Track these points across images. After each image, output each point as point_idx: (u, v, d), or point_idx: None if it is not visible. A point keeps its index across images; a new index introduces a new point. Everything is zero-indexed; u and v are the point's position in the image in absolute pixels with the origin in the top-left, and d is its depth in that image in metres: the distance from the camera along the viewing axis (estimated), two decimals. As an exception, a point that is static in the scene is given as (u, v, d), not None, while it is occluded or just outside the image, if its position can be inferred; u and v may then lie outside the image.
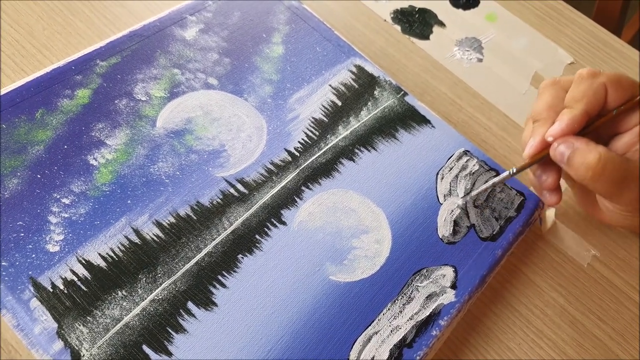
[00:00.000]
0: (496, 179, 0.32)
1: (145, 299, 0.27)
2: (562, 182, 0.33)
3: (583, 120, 0.30)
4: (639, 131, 0.30)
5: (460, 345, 0.31)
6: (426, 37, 0.45)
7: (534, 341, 0.32)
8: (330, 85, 0.38)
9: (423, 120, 0.38)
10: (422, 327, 0.29)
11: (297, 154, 0.34)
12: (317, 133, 0.35)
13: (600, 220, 0.33)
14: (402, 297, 0.30)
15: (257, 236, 0.31)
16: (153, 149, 0.32)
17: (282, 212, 0.32)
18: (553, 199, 0.32)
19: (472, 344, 0.32)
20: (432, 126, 0.37)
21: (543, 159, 0.31)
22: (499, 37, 0.47)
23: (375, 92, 0.38)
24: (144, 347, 0.26)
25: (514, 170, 0.32)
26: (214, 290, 0.28)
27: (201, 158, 0.33)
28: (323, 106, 0.37)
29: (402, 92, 0.39)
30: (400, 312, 0.30)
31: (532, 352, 0.32)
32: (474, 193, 0.33)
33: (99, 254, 0.28)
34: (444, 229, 0.33)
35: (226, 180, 0.32)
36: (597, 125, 0.31)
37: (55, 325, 0.26)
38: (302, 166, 0.34)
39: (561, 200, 0.32)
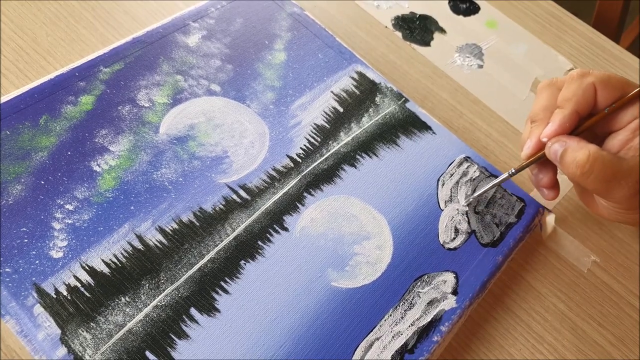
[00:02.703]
0: (496, 181, 0.34)
1: (149, 305, 0.28)
2: (563, 179, 0.34)
3: (574, 120, 0.31)
4: (633, 129, 0.30)
5: (461, 351, 0.32)
6: (427, 44, 0.46)
7: (534, 347, 0.32)
8: (332, 92, 0.38)
9: (424, 127, 0.38)
10: (424, 333, 0.30)
11: (299, 160, 0.34)
12: (319, 139, 0.36)
13: (598, 215, 0.34)
14: (404, 303, 0.30)
15: (259, 242, 0.31)
16: (156, 155, 0.32)
17: (284, 218, 0.32)
18: (550, 194, 0.33)
19: (473, 350, 0.32)
20: (433, 132, 0.38)
21: (540, 159, 0.32)
22: (500, 43, 0.47)
23: (377, 99, 0.39)
24: (147, 353, 0.26)
25: (513, 171, 0.33)
26: (216, 296, 0.29)
27: (204, 164, 0.33)
28: (325, 112, 0.37)
29: (403, 98, 0.39)
30: (402, 318, 0.30)
31: (532, 357, 0.32)
32: (475, 194, 0.35)
33: (102, 260, 0.28)
34: (445, 235, 0.33)
35: (229, 187, 0.32)
36: (589, 124, 0.31)
37: (59, 331, 0.26)
38: (304, 172, 0.34)
39: (558, 195, 0.33)
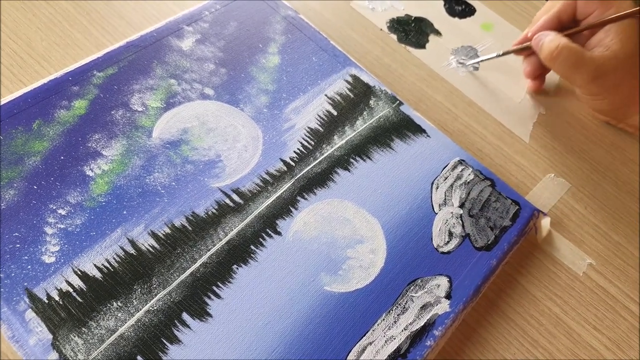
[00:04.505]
0: (484, 57, 0.43)
1: (140, 310, 0.28)
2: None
3: (554, 21, 0.40)
4: (605, 30, 0.37)
5: (455, 356, 0.31)
6: (422, 46, 0.46)
7: (529, 351, 0.32)
8: (326, 95, 0.38)
9: (418, 130, 0.38)
10: (417, 337, 0.29)
11: (292, 163, 0.34)
12: (313, 143, 0.36)
13: (590, 109, 0.43)
14: (397, 307, 0.30)
15: (252, 246, 0.31)
16: (149, 160, 0.32)
17: (277, 222, 0.32)
18: (532, 86, 0.44)
19: (467, 354, 0.32)
20: (428, 135, 0.38)
21: (525, 49, 0.42)
22: (495, 45, 0.47)
23: (371, 102, 0.38)
24: (139, 358, 0.26)
25: (500, 53, 0.43)
26: (208, 301, 0.29)
27: (197, 168, 0.33)
28: (319, 116, 0.37)
29: (398, 101, 0.39)
30: (395, 322, 0.30)
31: (527, 361, 0.32)
32: (472, 61, 0.44)
33: (95, 265, 0.28)
34: (439, 239, 0.33)
35: (221, 191, 0.32)
36: (571, 32, 0.39)
37: (50, 336, 0.26)
38: (298, 176, 0.34)
39: (539, 88, 0.44)
